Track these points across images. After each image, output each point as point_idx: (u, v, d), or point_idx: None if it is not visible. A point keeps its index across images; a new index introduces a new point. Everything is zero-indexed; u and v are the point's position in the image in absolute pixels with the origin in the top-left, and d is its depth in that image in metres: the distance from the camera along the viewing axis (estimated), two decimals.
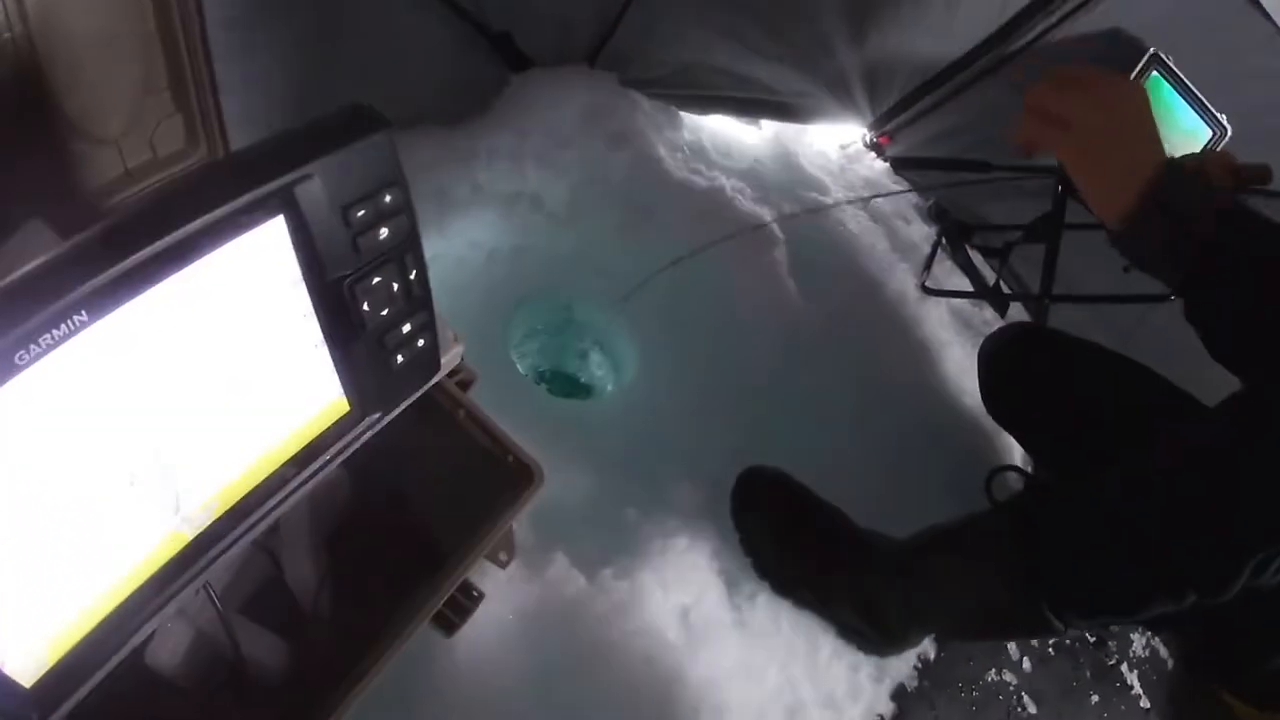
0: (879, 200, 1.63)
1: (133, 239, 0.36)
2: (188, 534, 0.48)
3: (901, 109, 1.65)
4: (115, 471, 0.42)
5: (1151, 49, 1.34)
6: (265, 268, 0.44)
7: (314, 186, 0.44)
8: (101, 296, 0.35)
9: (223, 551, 0.51)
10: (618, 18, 1.28)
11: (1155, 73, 1.35)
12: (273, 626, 0.74)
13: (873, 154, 1.73)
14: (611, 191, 1.30)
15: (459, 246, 1.18)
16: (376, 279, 0.51)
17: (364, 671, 0.66)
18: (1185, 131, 1.39)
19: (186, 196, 0.39)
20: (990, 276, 1.64)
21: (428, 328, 0.58)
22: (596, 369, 1.36)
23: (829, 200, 1.54)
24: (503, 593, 0.89)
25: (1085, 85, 0.67)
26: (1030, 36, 1.41)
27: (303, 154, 0.43)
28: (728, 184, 1.39)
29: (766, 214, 1.40)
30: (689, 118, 1.50)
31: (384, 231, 0.50)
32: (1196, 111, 1.38)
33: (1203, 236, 0.60)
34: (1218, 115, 1.38)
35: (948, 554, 0.90)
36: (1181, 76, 1.36)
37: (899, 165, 1.74)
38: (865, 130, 1.71)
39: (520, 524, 0.89)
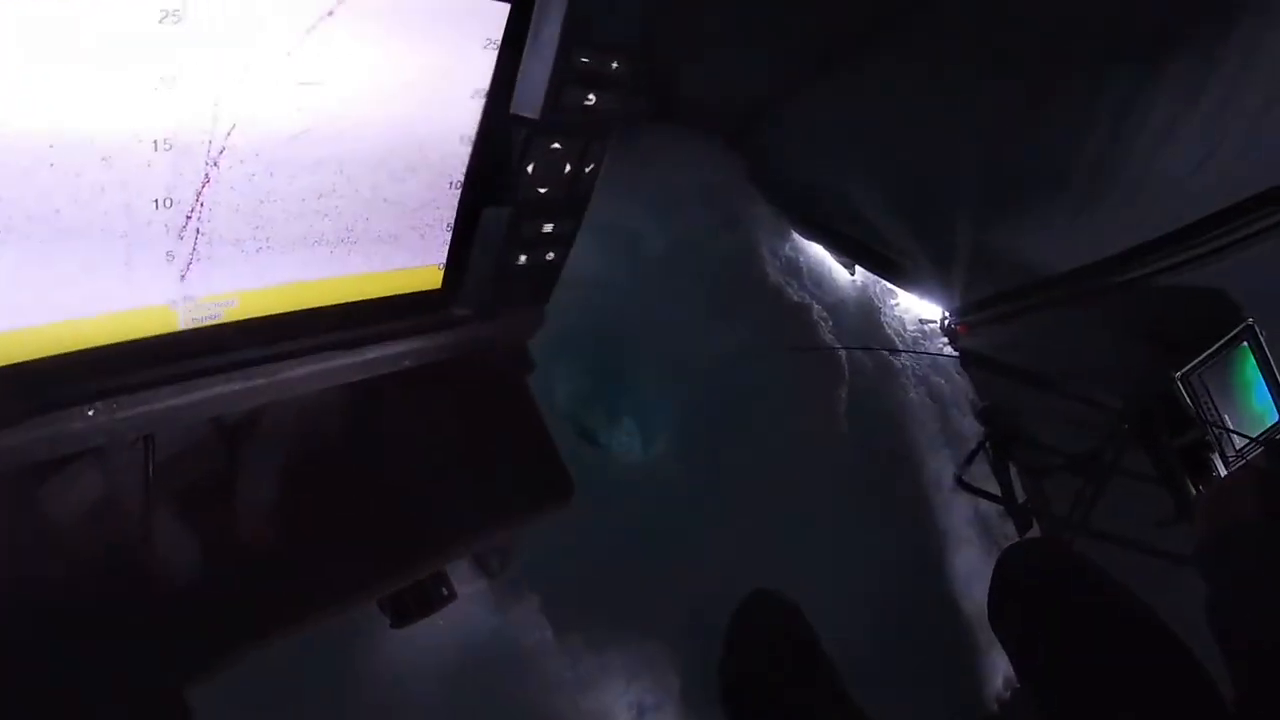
0: (940, 382, 1.58)
1: None
2: (178, 319, 0.35)
3: (991, 304, 1.63)
4: (139, 141, 0.29)
5: (1249, 319, 1.33)
6: (460, 46, 0.36)
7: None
8: None
9: (203, 373, 0.38)
10: (770, 109, 1.28)
11: (1245, 344, 1.34)
12: (197, 532, 0.59)
13: (945, 339, 1.70)
14: (707, 264, 1.25)
15: None
16: (555, 145, 0.43)
17: (281, 623, 0.52)
18: (1255, 410, 1.37)
19: None
20: (1022, 494, 1.58)
21: (565, 243, 0.49)
22: (624, 435, 1.25)
23: (895, 362, 1.49)
24: (456, 610, 0.74)
25: None
26: (1141, 272, 1.40)
27: None
28: (816, 307, 1.34)
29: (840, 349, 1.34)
30: (795, 236, 1.48)
31: (591, 98, 0.42)
32: (1272, 394, 1.37)
33: None
34: None
35: None
36: (1269, 355, 1.35)
37: (966, 360, 1.71)
38: (947, 313, 1.68)
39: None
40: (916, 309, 1.68)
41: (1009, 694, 1.23)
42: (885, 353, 1.37)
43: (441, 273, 0.45)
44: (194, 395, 0.38)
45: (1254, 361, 1.35)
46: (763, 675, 0.92)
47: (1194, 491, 1.33)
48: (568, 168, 0.44)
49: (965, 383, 1.66)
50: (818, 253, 1.52)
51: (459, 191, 0.42)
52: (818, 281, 1.49)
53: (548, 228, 0.47)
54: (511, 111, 0.39)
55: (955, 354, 1.67)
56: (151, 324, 0.34)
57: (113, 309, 0.32)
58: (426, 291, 0.45)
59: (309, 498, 0.60)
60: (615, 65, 0.42)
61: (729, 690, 0.91)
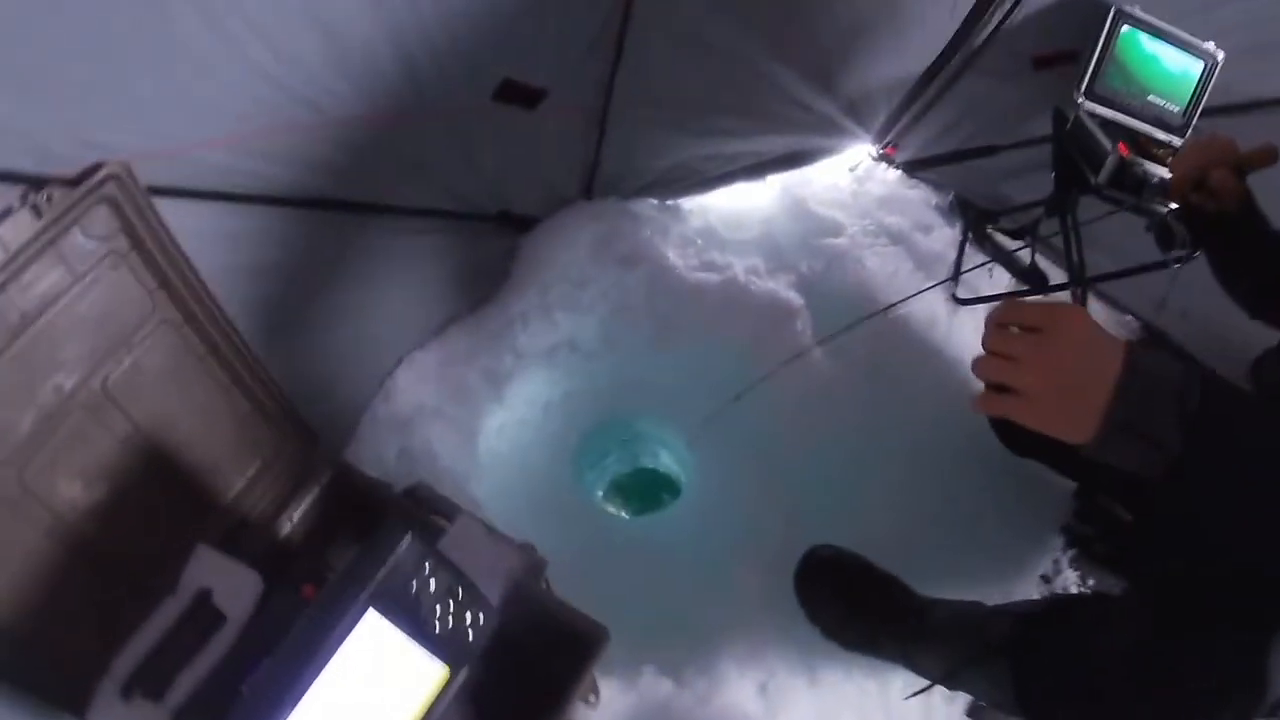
0: (895, 219, 1.66)
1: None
2: None
3: (896, 118, 1.66)
4: None
5: (1114, 5, 1.31)
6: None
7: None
8: None
9: None
10: (597, 148, 1.39)
11: (1127, 27, 1.32)
12: None
13: (884, 166, 1.75)
14: (636, 313, 1.44)
15: (518, 409, 1.37)
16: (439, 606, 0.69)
17: None
18: (1177, 73, 1.36)
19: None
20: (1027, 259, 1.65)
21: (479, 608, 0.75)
22: (671, 463, 1.52)
23: (843, 240, 1.59)
24: (605, 711, 1.08)
25: (1026, 331, 0.61)
26: (990, 29, 1.39)
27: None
28: (740, 267, 1.48)
29: (783, 285, 1.49)
30: (695, 204, 1.60)
31: (432, 582, 0.68)
32: (1183, 49, 1.35)
33: (1171, 449, 0.56)
34: (1203, 45, 1.34)
35: (965, 641, 1.02)
36: (1154, 22, 1.33)
37: (910, 169, 1.76)
38: (870, 147, 1.73)
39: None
40: (842, 166, 1.73)
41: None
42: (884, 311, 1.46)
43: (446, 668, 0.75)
44: None
45: (1144, 36, 1.32)
46: (845, 602, 1.19)
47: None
48: (453, 602, 0.71)
49: (919, 198, 1.71)
50: (723, 200, 1.62)
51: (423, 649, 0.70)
52: (736, 224, 1.60)
53: (467, 618, 0.74)
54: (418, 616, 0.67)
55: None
56: None
57: None
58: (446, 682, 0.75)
59: None
60: (430, 577, 0.67)
61: (829, 632, 1.20)
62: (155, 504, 0.73)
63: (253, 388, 0.83)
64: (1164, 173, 1.24)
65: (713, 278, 1.47)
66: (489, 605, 0.78)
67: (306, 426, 0.92)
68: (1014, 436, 1.29)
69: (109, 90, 0.63)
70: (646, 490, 1.54)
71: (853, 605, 1.20)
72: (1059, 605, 0.99)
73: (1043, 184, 1.54)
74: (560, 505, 1.31)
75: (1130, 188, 1.26)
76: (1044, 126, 1.52)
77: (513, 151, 1.22)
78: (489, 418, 1.31)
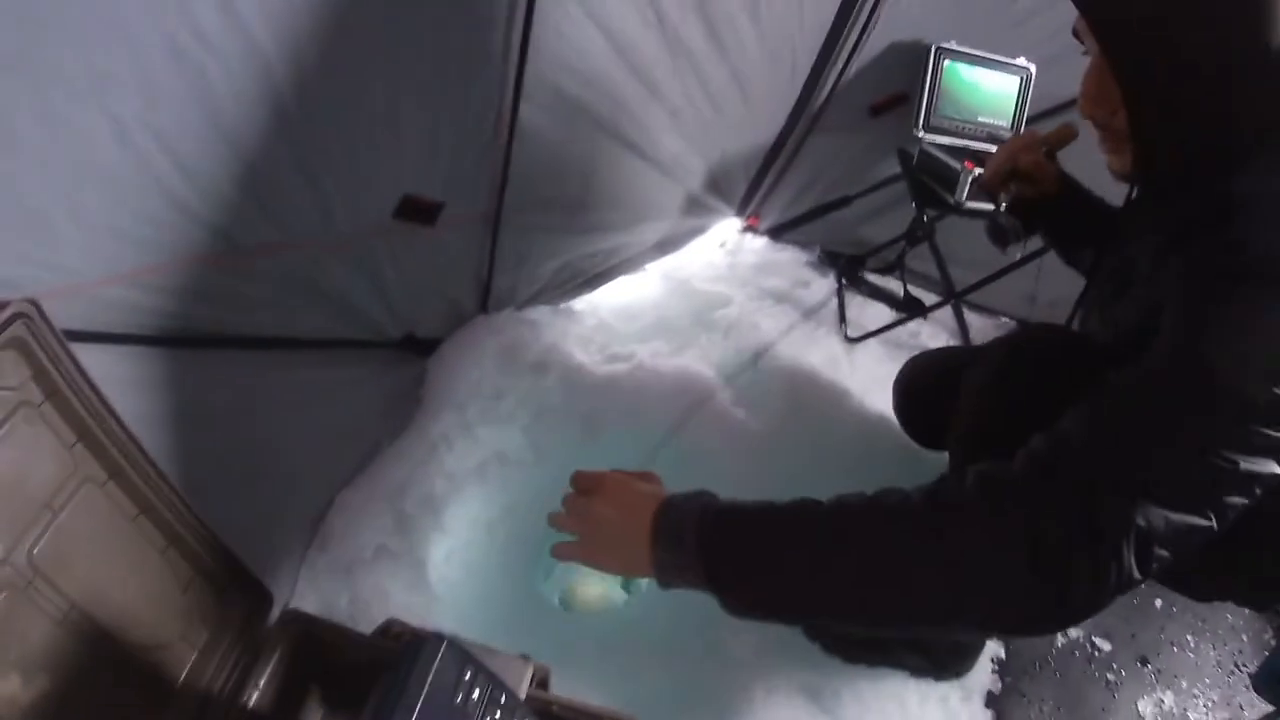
0: (774, 282, 1.78)
1: None
2: None
3: (753, 192, 1.82)
4: None
5: (932, 45, 1.52)
6: None
7: None
8: None
9: None
10: (491, 257, 1.40)
11: (948, 61, 1.52)
12: None
13: (750, 236, 1.89)
14: (558, 414, 1.42)
15: (462, 532, 1.27)
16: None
17: None
18: (998, 93, 1.58)
19: None
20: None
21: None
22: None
23: (733, 309, 1.68)
24: None
25: (581, 493, 0.80)
26: (828, 90, 1.57)
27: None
28: (644, 353, 1.52)
29: (691, 358, 1.53)
30: (586, 304, 1.64)
31: (475, 693, 0.59)
32: (999, 70, 1.57)
33: (699, 559, 0.68)
34: (1015, 62, 1.57)
35: None
36: (968, 51, 1.54)
37: (775, 234, 1.91)
38: (735, 220, 1.86)
39: None
40: (711, 249, 1.85)
41: None
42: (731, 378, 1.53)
43: None
44: None
45: (964, 65, 1.53)
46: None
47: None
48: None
49: (790, 259, 1.85)
50: (609, 297, 1.67)
51: None
52: (629, 315, 1.65)
53: None
54: None
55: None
56: None
57: None
58: None
59: None
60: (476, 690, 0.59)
61: (830, 646, 1.18)
62: (103, 694, 0.60)
63: (194, 547, 0.73)
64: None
65: (621, 367, 1.49)
66: (529, 713, 0.70)
67: (258, 584, 0.80)
68: (918, 432, 1.36)
69: (10, 217, 0.57)
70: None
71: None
72: None
73: (896, 221, 1.72)
74: (528, 619, 1.21)
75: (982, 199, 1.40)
76: (889, 169, 1.72)
77: (414, 271, 1.21)
78: (434, 546, 1.21)
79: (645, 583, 1.32)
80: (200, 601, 0.74)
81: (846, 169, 1.79)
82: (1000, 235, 1.22)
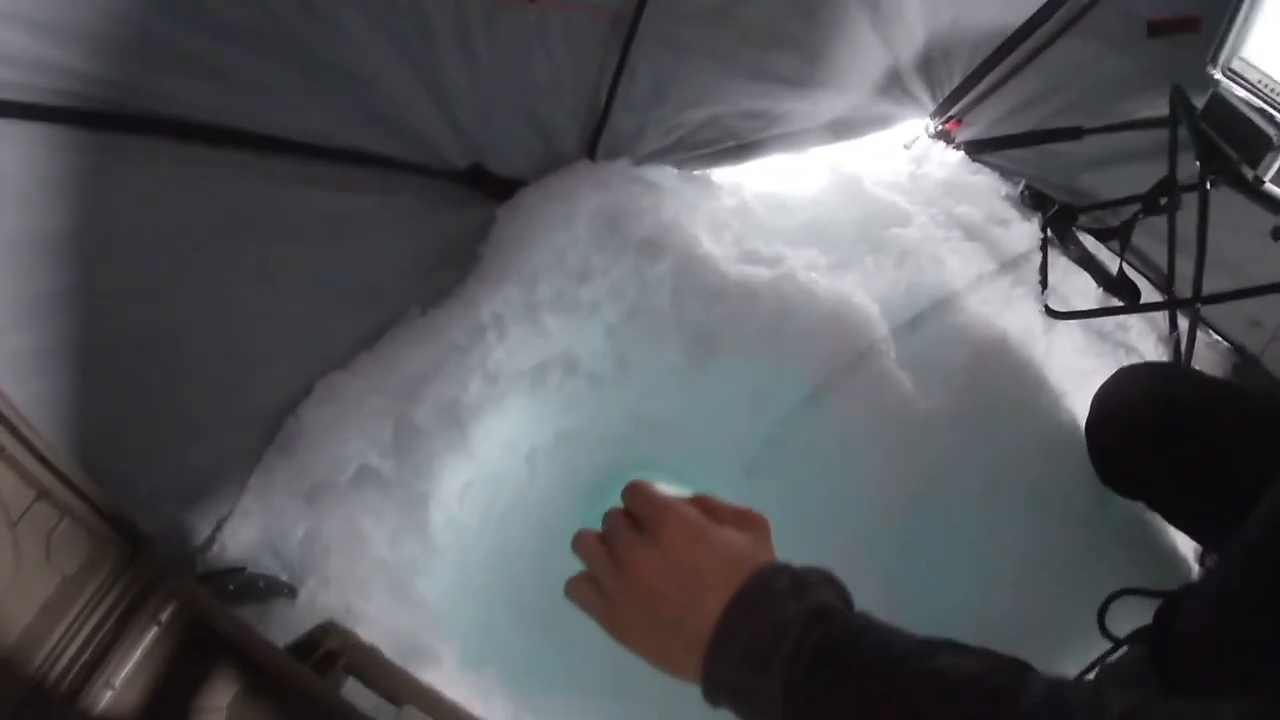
0: (966, 209, 1.31)
1: None
2: None
3: (967, 89, 1.32)
4: None
5: None
6: None
7: None
8: None
9: None
10: (614, 80, 0.97)
11: None
12: None
13: (942, 145, 1.40)
14: (660, 321, 1.02)
15: (492, 458, 0.91)
16: None
17: None
18: None
19: None
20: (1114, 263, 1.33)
21: None
22: None
23: (912, 231, 1.22)
24: None
25: (640, 531, 0.47)
26: None
27: None
28: (797, 261, 1.09)
29: (852, 283, 1.10)
30: (728, 181, 1.20)
31: None
32: None
33: (780, 699, 0.42)
34: None
35: None
36: None
37: (974, 150, 1.42)
38: (928, 121, 1.38)
39: None
40: (892, 149, 1.38)
41: None
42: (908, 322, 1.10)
43: None
44: None
45: None
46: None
47: None
48: None
49: (986, 185, 1.37)
50: (758, 176, 1.23)
51: None
52: (779, 206, 1.22)
53: None
54: None
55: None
56: None
57: None
58: None
59: None
60: None
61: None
62: None
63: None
64: None
65: (762, 273, 1.06)
66: None
67: (130, 528, 0.46)
68: (1107, 469, 0.99)
69: None
70: None
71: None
72: None
73: (1134, 177, 1.24)
74: (557, 610, 0.86)
75: None
76: (1149, 107, 1.24)
77: (496, 71, 0.78)
78: (447, 475, 0.85)
79: None
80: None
81: (1092, 92, 1.28)
82: None
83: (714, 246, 1.07)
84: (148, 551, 0.53)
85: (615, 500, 0.98)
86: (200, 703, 0.53)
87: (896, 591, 0.92)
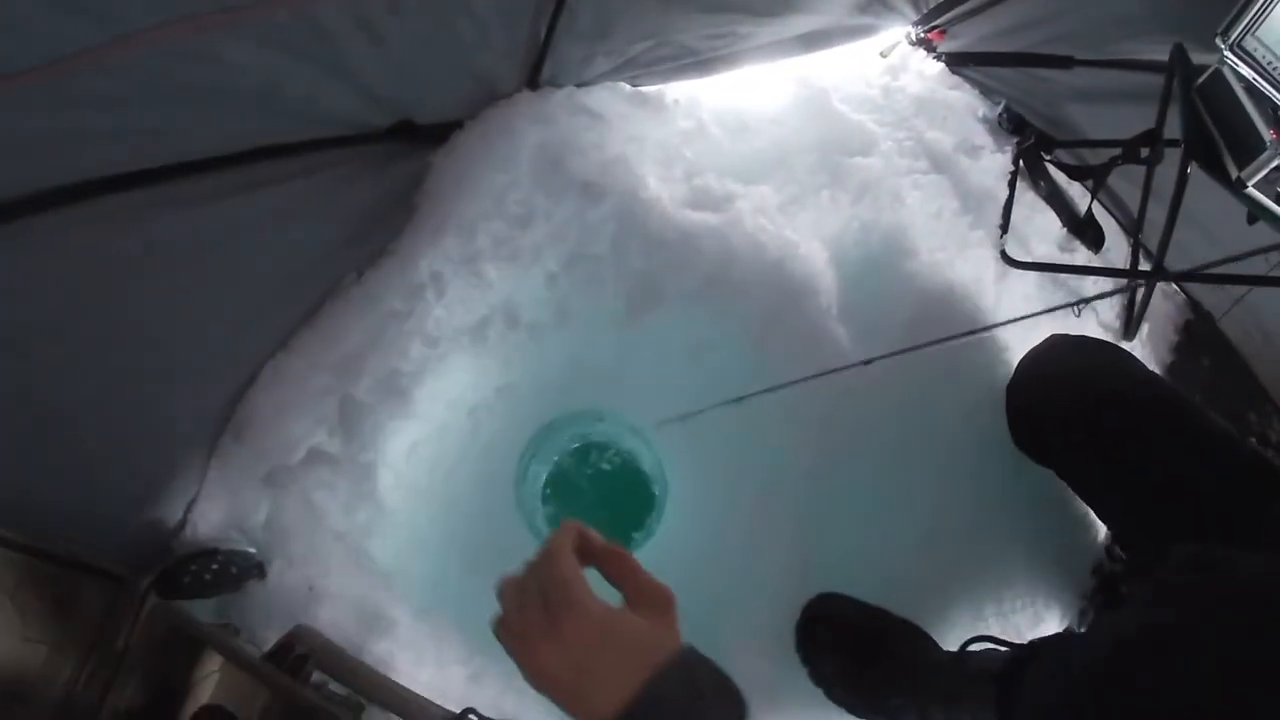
0: (936, 135, 1.25)
1: None
2: None
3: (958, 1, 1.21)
4: None
5: None
6: None
7: None
8: None
9: None
10: (549, 29, 0.88)
11: None
12: None
13: (922, 54, 1.31)
14: (600, 268, 1.01)
15: (437, 415, 0.94)
16: None
17: None
18: None
19: None
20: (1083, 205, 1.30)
21: None
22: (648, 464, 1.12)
23: (874, 160, 1.17)
24: None
25: (548, 611, 0.49)
26: None
27: None
28: (746, 204, 1.05)
29: (804, 225, 1.08)
30: (685, 98, 1.12)
31: None
32: None
33: None
34: None
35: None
36: None
37: (955, 62, 1.32)
38: (909, 28, 1.27)
39: None
40: (868, 57, 1.28)
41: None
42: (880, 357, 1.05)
43: None
44: None
45: None
46: (852, 657, 0.95)
47: None
48: None
49: (963, 103, 1.30)
50: (718, 92, 1.16)
51: None
52: (738, 125, 1.15)
53: None
54: None
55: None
56: None
57: None
58: None
59: None
60: None
61: (833, 694, 0.96)
62: None
63: None
64: None
65: (709, 219, 1.04)
66: None
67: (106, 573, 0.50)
68: (1024, 436, 1.05)
69: None
70: (611, 495, 1.15)
71: (861, 661, 0.95)
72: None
73: (1120, 119, 1.16)
74: (507, 551, 0.93)
75: None
76: (1149, 50, 1.12)
77: (410, 48, 0.72)
78: (393, 439, 0.88)
79: (657, 528, 1.03)
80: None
81: (1091, 22, 1.15)
82: None
83: (661, 187, 1.03)
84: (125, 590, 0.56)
85: (556, 442, 1.01)
86: (196, 674, 0.60)
87: (807, 537, 1.00)
